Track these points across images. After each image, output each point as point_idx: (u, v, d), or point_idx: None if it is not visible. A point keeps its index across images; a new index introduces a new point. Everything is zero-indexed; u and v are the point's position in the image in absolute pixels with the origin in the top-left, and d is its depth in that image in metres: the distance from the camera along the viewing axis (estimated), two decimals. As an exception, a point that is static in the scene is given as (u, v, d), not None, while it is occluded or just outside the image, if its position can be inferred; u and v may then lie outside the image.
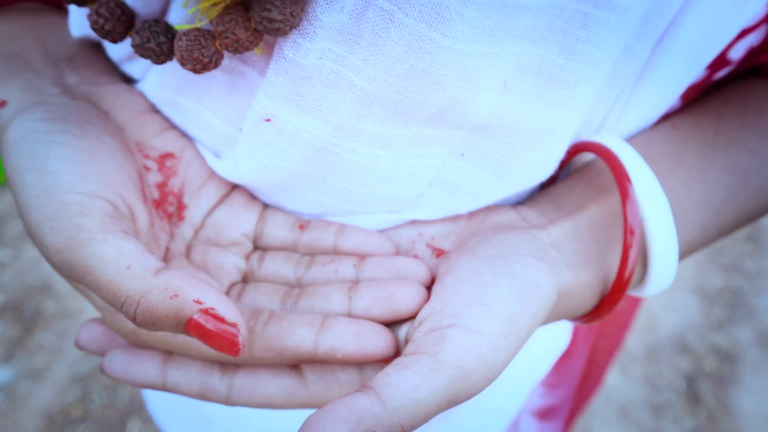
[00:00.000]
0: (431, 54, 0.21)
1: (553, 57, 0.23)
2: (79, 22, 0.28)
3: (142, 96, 0.29)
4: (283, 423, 0.37)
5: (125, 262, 0.20)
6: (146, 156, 0.27)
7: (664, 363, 1.56)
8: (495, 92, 0.23)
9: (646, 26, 0.25)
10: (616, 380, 1.51)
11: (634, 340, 1.59)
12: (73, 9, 0.28)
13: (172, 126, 0.29)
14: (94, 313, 1.57)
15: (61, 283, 1.62)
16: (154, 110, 0.29)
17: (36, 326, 1.56)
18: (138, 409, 1.42)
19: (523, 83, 0.24)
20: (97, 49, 0.30)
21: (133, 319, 0.20)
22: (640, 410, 1.47)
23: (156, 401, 0.53)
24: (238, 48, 0.21)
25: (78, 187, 0.22)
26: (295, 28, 0.21)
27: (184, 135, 0.29)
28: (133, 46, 0.22)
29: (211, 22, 0.21)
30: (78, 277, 0.21)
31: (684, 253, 0.30)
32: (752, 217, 0.32)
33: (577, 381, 0.48)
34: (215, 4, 0.20)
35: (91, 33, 0.28)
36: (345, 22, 0.21)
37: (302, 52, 0.22)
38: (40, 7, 0.32)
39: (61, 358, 1.50)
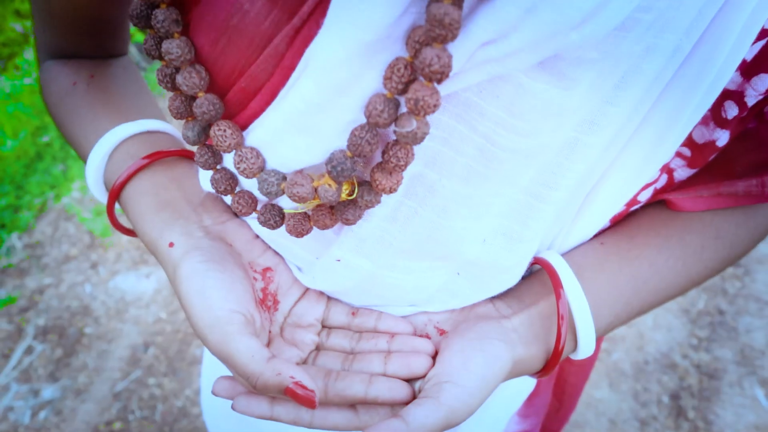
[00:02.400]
0: (438, 230, 0.36)
1: (512, 225, 0.38)
2: (206, 182, 0.43)
3: (249, 227, 0.44)
4: None
5: (251, 353, 0.35)
6: (255, 270, 0.42)
7: (650, 379, 1.68)
8: (478, 245, 0.38)
9: (575, 195, 0.40)
10: (605, 395, 1.63)
11: (623, 357, 1.71)
12: (201, 171, 0.43)
13: (269, 247, 0.44)
14: (128, 336, 1.71)
15: (100, 308, 1.76)
16: (257, 236, 0.44)
17: (77, 347, 1.69)
18: (171, 423, 1.56)
19: (494, 240, 0.39)
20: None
21: (254, 387, 0.35)
22: (628, 423, 1.59)
23: (211, 412, 0.69)
24: (324, 227, 0.36)
25: (225, 306, 0.37)
26: (359, 219, 0.36)
27: (277, 254, 0.44)
28: (258, 221, 0.38)
29: (308, 211, 0.37)
30: (225, 360, 0.36)
31: (602, 331, 0.44)
32: (653, 306, 0.46)
33: (544, 411, 0.64)
34: (310, 204, 0.35)
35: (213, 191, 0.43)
36: (388, 212, 0.36)
37: (362, 227, 0.37)
38: (174, 160, 0.47)
39: (102, 376, 1.64)
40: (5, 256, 1.85)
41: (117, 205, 0.49)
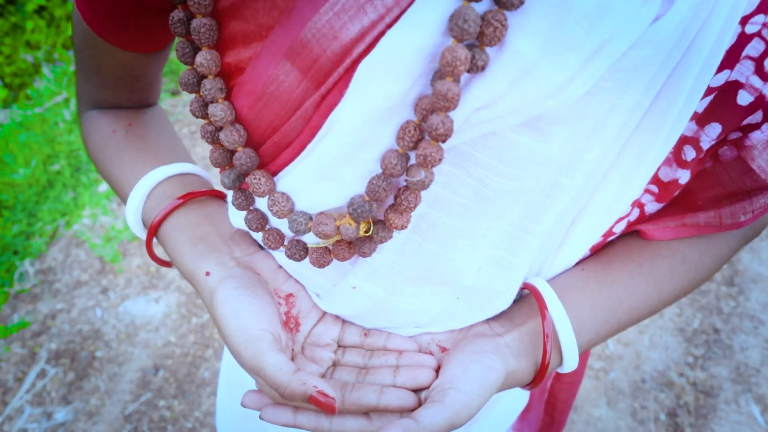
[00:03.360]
0: (440, 260, 0.42)
1: (504, 254, 0.44)
2: (236, 220, 0.49)
3: (273, 258, 0.50)
4: None
5: (280, 366, 0.40)
6: (279, 296, 0.48)
7: (647, 397, 1.72)
8: (474, 273, 0.44)
9: (557, 228, 0.46)
10: (603, 413, 1.67)
11: (621, 375, 1.75)
12: (232, 210, 0.49)
13: (291, 276, 0.50)
14: (139, 359, 1.76)
15: (110, 332, 1.81)
16: (280, 267, 0.50)
17: (89, 371, 1.74)
18: (181, 443, 1.60)
19: (488, 268, 0.44)
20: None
21: (282, 396, 0.40)
22: (626, 440, 1.64)
23: (224, 417, 0.75)
24: (343, 259, 0.42)
25: (256, 326, 0.42)
26: (374, 252, 0.42)
27: (298, 282, 0.50)
28: (286, 254, 0.43)
29: (329, 245, 0.42)
30: (256, 372, 0.41)
31: (584, 347, 0.49)
32: (629, 324, 0.52)
33: (537, 426, 0.69)
34: (331, 239, 0.41)
35: (244, 227, 0.49)
36: (398, 245, 0.42)
37: (375, 258, 0.43)
38: (205, 199, 0.53)
39: (113, 399, 1.68)
40: (18, 282, 1.91)
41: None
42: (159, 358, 1.77)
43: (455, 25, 0.30)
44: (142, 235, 0.54)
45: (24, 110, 2.33)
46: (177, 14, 0.38)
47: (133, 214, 0.52)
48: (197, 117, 0.40)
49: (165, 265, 0.56)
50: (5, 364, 1.74)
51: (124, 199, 0.54)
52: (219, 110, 0.38)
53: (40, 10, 2.70)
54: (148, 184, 0.52)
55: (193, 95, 0.42)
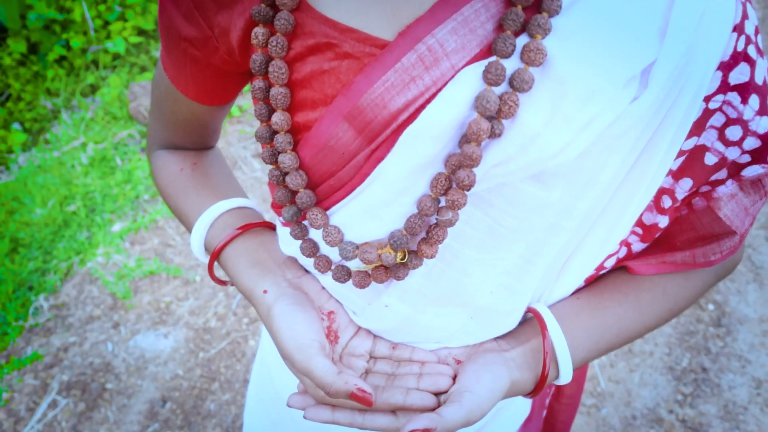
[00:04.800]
0: (459, 284, 0.52)
1: (511, 281, 0.54)
2: (286, 248, 0.59)
3: (317, 280, 0.59)
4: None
5: (326, 369, 0.49)
6: (322, 313, 0.57)
7: (639, 433, 1.79)
8: (486, 296, 0.54)
9: (556, 261, 0.56)
10: (597, 448, 1.74)
11: (612, 412, 1.82)
12: (282, 239, 0.59)
13: (332, 296, 0.59)
14: (147, 391, 1.82)
15: (120, 365, 1.87)
16: (323, 288, 0.59)
17: (99, 402, 1.80)
18: (189, 474, 1.65)
19: (498, 292, 0.54)
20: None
21: (328, 393, 0.49)
22: (619, 475, 1.69)
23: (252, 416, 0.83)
24: (380, 282, 0.52)
25: (307, 336, 0.51)
26: (406, 276, 0.52)
27: (338, 301, 0.59)
28: (332, 277, 0.53)
29: (368, 270, 0.52)
30: (306, 374, 0.50)
31: (578, 364, 0.58)
32: (616, 346, 0.61)
33: None
34: (372, 265, 0.50)
35: (293, 254, 0.58)
36: (425, 271, 0.51)
37: (406, 281, 0.52)
38: (260, 229, 0.63)
39: (122, 429, 1.73)
40: (32, 317, 1.97)
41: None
42: (167, 391, 1.83)
43: (480, 104, 0.41)
44: (204, 259, 0.63)
45: (42, 153, 2.44)
46: (258, 83, 0.48)
47: (197, 240, 0.62)
48: (267, 163, 0.50)
49: (222, 283, 0.66)
50: (18, 395, 1.79)
51: (189, 228, 0.64)
52: (287, 159, 0.48)
53: (61, 59, 2.84)
54: (211, 216, 0.62)
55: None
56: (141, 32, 3.00)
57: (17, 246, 2.15)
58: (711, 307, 2.13)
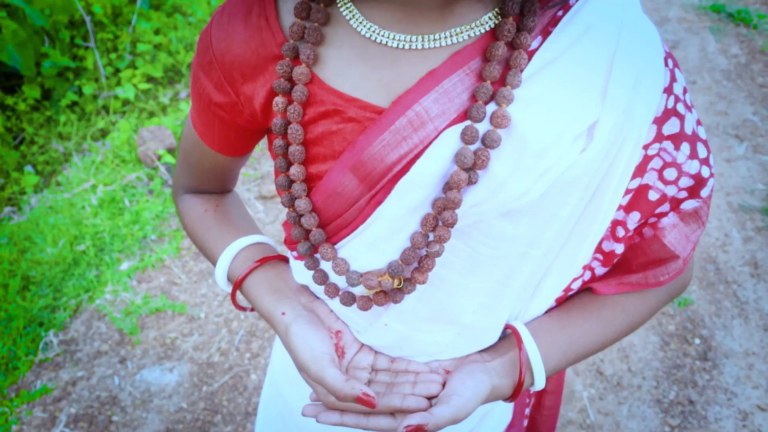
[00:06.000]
0: (446, 305, 0.61)
1: (490, 302, 0.63)
2: (299, 277, 0.69)
3: (327, 305, 0.69)
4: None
5: (336, 377, 0.58)
6: (331, 332, 0.67)
7: (629, 464, 1.85)
8: (469, 315, 0.63)
9: (528, 284, 0.65)
10: (588, 478, 1.80)
11: (603, 444, 1.89)
12: (295, 270, 0.69)
13: (339, 318, 0.68)
14: (152, 424, 1.88)
15: (126, 398, 1.94)
16: (331, 311, 0.68)
17: (107, 435, 1.86)
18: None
19: (479, 311, 0.63)
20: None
21: (338, 397, 0.58)
22: (610, 504, 1.74)
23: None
24: (380, 305, 0.61)
25: (320, 349, 0.61)
26: (402, 299, 0.61)
27: (344, 322, 0.68)
28: (340, 301, 0.63)
29: (370, 295, 0.62)
30: (319, 381, 0.59)
31: (550, 372, 0.67)
32: (583, 356, 0.70)
33: None
34: (373, 290, 0.60)
35: (305, 283, 0.68)
36: (418, 295, 0.61)
37: (403, 304, 0.62)
38: (275, 261, 0.72)
39: (130, 461, 1.79)
40: (42, 352, 2.05)
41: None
42: (171, 423, 1.89)
43: (459, 159, 0.51)
44: (228, 288, 0.73)
45: (54, 195, 2.55)
46: (278, 141, 0.59)
47: (221, 272, 0.72)
48: (285, 206, 0.61)
49: (242, 309, 0.75)
50: (27, 427, 1.85)
51: (213, 262, 0.74)
52: (303, 204, 0.59)
53: (73, 105, 2.97)
54: (233, 251, 0.72)
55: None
56: (150, 79, 3.15)
57: (28, 284, 2.23)
58: (697, 341, 2.21)
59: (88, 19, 3.04)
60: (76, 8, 3.03)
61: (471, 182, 0.53)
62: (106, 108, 2.99)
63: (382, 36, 0.53)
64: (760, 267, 2.48)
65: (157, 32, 3.34)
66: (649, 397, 2.02)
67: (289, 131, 0.57)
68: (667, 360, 2.15)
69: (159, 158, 2.66)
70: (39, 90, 2.90)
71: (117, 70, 3.11)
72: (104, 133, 2.91)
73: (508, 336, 0.70)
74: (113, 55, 3.11)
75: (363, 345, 0.69)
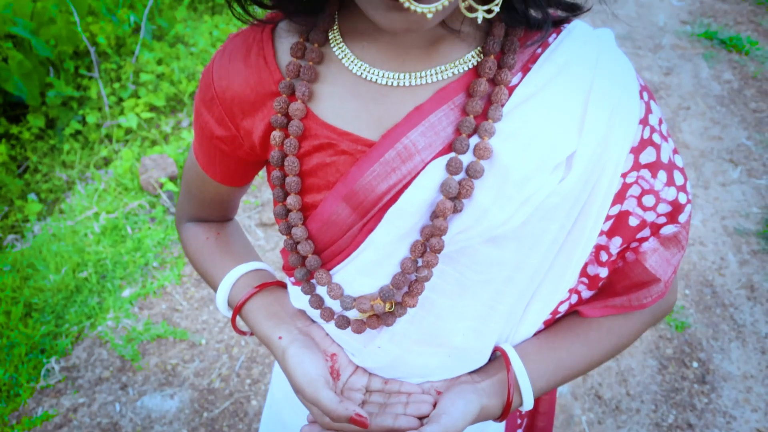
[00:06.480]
0: (436, 328, 0.64)
1: (479, 324, 0.66)
2: (296, 302, 0.71)
3: (322, 329, 0.71)
4: None
5: (331, 398, 0.60)
6: (327, 355, 0.69)
7: (628, 488, 1.84)
8: (459, 337, 0.66)
9: (516, 307, 0.68)
10: (587, 502, 1.79)
11: (602, 468, 1.89)
12: (293, 296, 0.71)
13: (334, 341, 0.71)
14: (154, 450, 1.89)
15: (128, 425, 1.94)
16: (327, 334, 0.71)
17: (107, 462, 1.86)
18: None
19: (469, 333, 0.66)
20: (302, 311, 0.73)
21: (332, 419, 0.61)
22: None
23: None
24: (373, 328, 0.64)
25: (315, 372, 0.63)
26: (394, 323, 0.64)
27: (339, 345, 0.71)
28: (335, 324, 0.65)
29: (363, 318, 0.65)
30: (314, 403, 0.61)
31: (537, 393, 0.69)
32: (570, 377, 0.72)
33: None
34: (366, 314, 0.63)
35: (302, 307, 0.71)
36: (409, 318, 0.64)
37: (395, 327, 0.64)
38: (273, 287, 0.75)
39: (131, 488, 1.79)
40: (44, 378, 2.06)
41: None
42: (172, 451, 1.90)
43: (444, 189, 0.55)
44: (228, 313, 0.76)
45: (57, 222, 2.58)
46: (276, 173, 0.62)
47: (222, 298, 0.75)
48: (283, 234, 0.64)
49: (242, 333, 0.78)
50: (29, 457, 1.86)
51: (215, 288, 0.76)
52: (299, 232, 0.62)
53: (76, 133, 3.02)
54: (233, 277, 0.75)
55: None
56: (152, 108, 3.21)
57: (31, 311, 2.25)
58: (695, 364, 2.22)
59: (92, 49, 3.11)
60: (80, 39, 3.10)
61: (456, 210, 0.56)
62: (109, 137, 3.04)
63: (372, 74, 0.57)
64: (756, 290, 2.50)
65: (159, 62, 3.41)
66: (648, 420, 2.03)
67: (285, 163, 0.61)
68: (666, 383, 2.16)
69: (161, 186, 2.70)
70: (43, 119, 2.96)
71: (120, 100, 3.17)
72: (107, 162, 2.95)
73: (498, 358, 0.72)
74: (116, 85, 3.17)
75: (357, 367, 0.71)
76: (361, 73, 0.57)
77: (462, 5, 0.46)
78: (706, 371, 2.19)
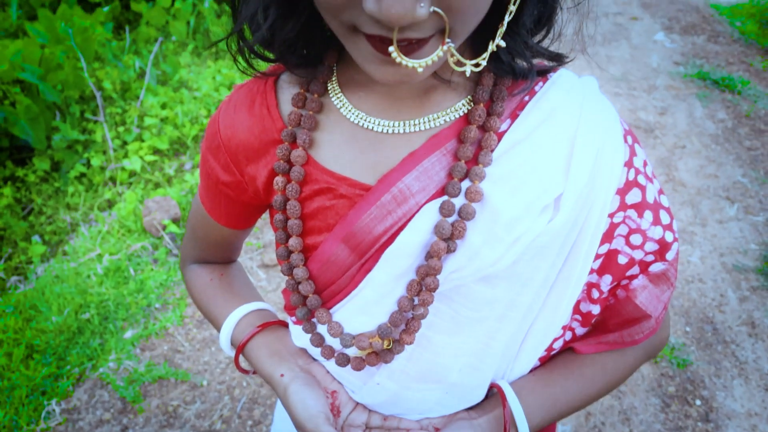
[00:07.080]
0: (433, 364, 0.66)
1: (475, 361, 0.68)
2: (297, 341, 0.73)
3: (323, 366, 0.73)
4: None
5: None
6: (327, 392, 0.71)
7: None
8: (456, 373, 0.67)
9: (511, 344, 0.70)
10: None
11: None
12: (294, 334, 0.74)
13: (335, 378, 0.72)
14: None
15: (127, 468, 1.93)
16: (327, 372, 0.73)
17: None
18: None
19: (465, 370, 0.67)
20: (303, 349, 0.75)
21: None
22: None
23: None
24: (372, 365, 0.66)
25: (316, 409, 0.65)
26: (392, 360, 0.66)
27: (339, 382, 0.72)
28: (336, 362, 0.67)
29: (362, 356, 0.67)
30: None
31: (534, 429, 0.70)
32: (566, 414, 0.73)
33: None
34: (366, 351, 0.65)
35: (303, 345, 0.73)
36: (406, 355, 0.66)
37: (393, 364, 0.67)
38: (275, 326, 0.77)
39: None
40: (44, 421, 2.05)
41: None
42: (172, 496, 1.88)
43: (438, 230, 0.57)
44: (231, 352, 0.78)
45: (60, 264, 2.61)
46: (278, 216, 0.65)
47: (225, 337, 0.77)
48: (285, 275, 0.66)
49: (244, 372, 0.80)
50: (27, 502, 1.84)
51: (218, 328, 0.79)
52: (300, 272, 0.64)
53: (81, 176, 3.07)
54: (236, 317, 0.77)
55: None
56: (156, 151, 3.27)
57: (32, 352, 2.26)
58: (698, 402, 2.21)
59: (98, 94, 3.18)
60: (86, 84, 3.18)
61: (450, 251, 0.59)
62: (113, 179, 3.09)
63: (369, 122, 0.60)
64: (757, 326, 2.50)
65: (163, 106, 3.48)
66: (653, 459, 2.01)
67: (288, 207, 0.64)
68: (669, 422, 2.14)
69: (164, 228, 2.73)
70: (49, 162, 3.01)
71: (124, 143, 3.23)
72: (111, 204, 3.00)
73: (494, 394, 0.74)
74: (121, 128, 3.24)
75: (357, 404, 0.73)
76: (358, 122, 0.61)
77: (451, 60, 0.49)
78: (709, 409, 2.18)
